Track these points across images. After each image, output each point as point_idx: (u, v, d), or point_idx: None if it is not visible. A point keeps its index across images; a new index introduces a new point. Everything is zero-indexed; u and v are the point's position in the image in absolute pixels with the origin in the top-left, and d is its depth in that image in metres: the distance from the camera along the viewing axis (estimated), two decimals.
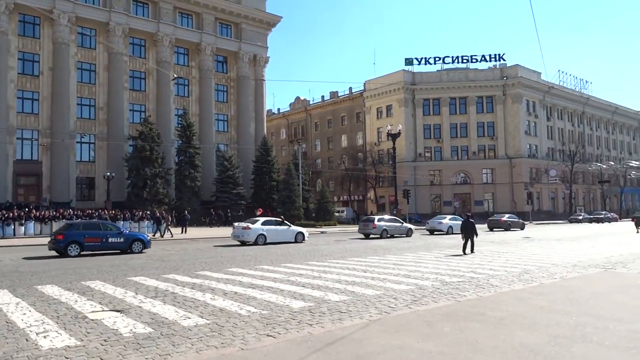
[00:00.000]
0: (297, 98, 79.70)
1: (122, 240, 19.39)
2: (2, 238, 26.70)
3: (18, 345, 6.07)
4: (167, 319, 7.50)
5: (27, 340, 6.32)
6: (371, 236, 29.58)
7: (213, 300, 9.01)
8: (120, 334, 6.60)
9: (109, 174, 38.83)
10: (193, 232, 33.49)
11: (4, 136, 38.19)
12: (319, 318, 7.58)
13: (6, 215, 28.05)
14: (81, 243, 18.29)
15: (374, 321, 7.20)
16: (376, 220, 30.06)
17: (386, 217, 32.59)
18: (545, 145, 68.72)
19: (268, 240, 24.05)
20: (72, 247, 18.05)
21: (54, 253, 18.55)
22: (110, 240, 19.07)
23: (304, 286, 10.60)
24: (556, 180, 65.66)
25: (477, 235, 18.68)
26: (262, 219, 25.50)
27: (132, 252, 19.47)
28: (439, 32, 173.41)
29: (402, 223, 31.69)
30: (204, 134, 48.53)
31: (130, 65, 45.98)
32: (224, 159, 46.63)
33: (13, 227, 27.84)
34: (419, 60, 64.14)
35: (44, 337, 6.45)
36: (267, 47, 55.08)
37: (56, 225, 28.21)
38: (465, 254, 17.86)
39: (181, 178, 43.38)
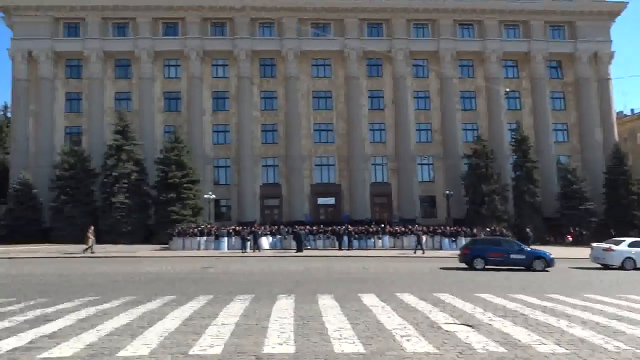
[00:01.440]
0: None
1: (523, 257, 19.69)
2: (364, 249, 31.56)
3: (387, 345, 6.94)
4: (519, 341, 7.21)
5: (393, 341, 7.16)
6: None
7: (570, 328, 8.15)
8: (474, 349, 6.70)
9: (447, 192, 41.02)
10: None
11: (361, 163, 45.52)
12: None
13: (367, 230, 33.12)
14: (485, 257, 19.51)
15: None
16: None
17: None
18: None
19: (639, 265, 20.29)
20: (477, 260, 19.46)
21: (464, 265, 20.14)
22: (511, 256, 19.68)
23: None
24: None
25: None
26: (630, 240, 21.79)
27: (534, 270, 19.15)
28: None
29: None
30: (541, 146, 45.49)
31: (460, 86, 47.70)
32: (567, 172, 42.59)
33: (373, 240, 32.63)
34: None
35: (407, 340, 7.16)
36: (611, 41, 47.74)
37: (407, 240, 31.48)
38: None
39: (519, 194, 41.77)
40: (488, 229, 33.41)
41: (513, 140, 44.30)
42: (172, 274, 17.36)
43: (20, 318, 8.78)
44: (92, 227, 29.64)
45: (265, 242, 32.18)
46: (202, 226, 34.37)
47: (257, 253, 29.08)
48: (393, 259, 25.22)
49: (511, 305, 10.45)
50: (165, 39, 45.93)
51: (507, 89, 43.40)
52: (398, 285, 13.98)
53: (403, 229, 32.86)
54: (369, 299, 11.02)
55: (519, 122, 45.50)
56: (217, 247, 31.56)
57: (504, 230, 33.53)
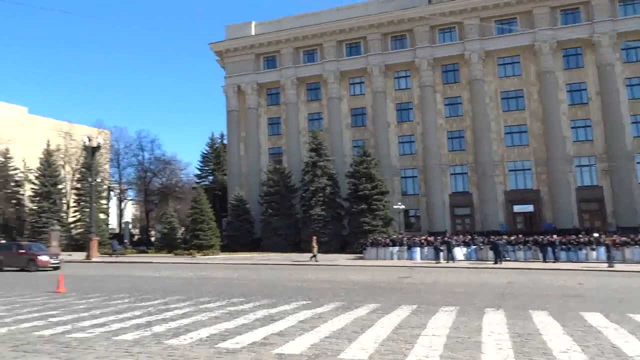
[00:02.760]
0: None
1: None
2: (574, 262, 27.92)
3: None
4: None
5: None
6: None
7: None
8: None
9: None
10: None
11: (564, 166, 40.84)
12: None
13: (577, 241, 29.19)
14: None
15: None
16: None
17: None
18: None
19: None
20: None
21: None
22: None
23: None
24: None
25: None
26: None
27: None
28: None
29: None
30: None
31: None
32: None
33: (585, 252, 28.59)
34: None
35: None
36: None
37: (629, 252, 27.01)
38: None
39: None
40: None
41: None
42: (371, 282, 17.91)
43: (252, 316, 10.02)
44: (315, 238, 32.61)
45: (460, 252, 31.07)
46: (394, 236, 34.94)
47: (451, 264, 28.22)
48: (614, 274, 21.87)
49: None
50: (349, 59, 48.47)
51: None
52: (629, 304, 12.02)
53: (623, 239, 28.24)
54: (595, 319, 9.70)
55: None
56: (410, 257, 31.56)
57: None
